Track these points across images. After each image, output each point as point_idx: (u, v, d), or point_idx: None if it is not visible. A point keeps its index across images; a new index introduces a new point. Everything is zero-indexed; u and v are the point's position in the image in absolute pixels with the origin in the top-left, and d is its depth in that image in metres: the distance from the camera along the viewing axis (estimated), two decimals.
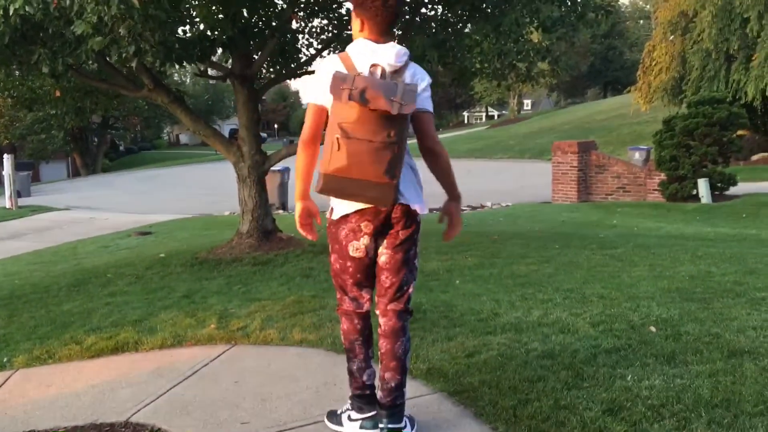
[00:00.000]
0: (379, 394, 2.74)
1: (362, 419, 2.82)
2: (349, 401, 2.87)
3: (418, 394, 3.15)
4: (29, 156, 40.20)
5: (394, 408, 2.70)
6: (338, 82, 2.44)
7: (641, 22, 72.98)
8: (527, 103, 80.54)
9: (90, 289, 6.46)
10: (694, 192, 14.10)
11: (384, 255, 2.71)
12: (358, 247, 2.68)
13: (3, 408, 3.59)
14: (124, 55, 5.28)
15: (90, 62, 5.78)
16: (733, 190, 14.81)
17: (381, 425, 2.71)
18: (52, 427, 3.27)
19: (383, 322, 2.75)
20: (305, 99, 2.66)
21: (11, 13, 4.78)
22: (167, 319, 4.90)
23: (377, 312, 2.77)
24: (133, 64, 5.52)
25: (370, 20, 2.63)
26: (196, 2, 6.18)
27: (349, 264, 2.72)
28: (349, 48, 2.66)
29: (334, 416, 2.93)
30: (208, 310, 5.04)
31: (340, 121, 2.45)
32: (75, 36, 5.25)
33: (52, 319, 5.35)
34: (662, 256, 6.88)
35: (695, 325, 4.04)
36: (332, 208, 2.70)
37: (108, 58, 6.05)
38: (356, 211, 2.63)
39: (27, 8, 4.69)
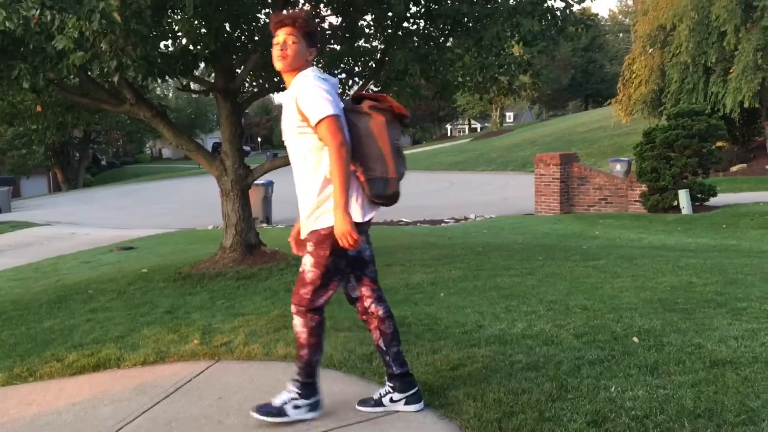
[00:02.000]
0: (399, 369, 3.16)
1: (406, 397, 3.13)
2: (390, 385, 3.15)
3: (403, 408, 3.14)
4: (9, 171, 39.83)
5: None
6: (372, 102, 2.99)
7: (621, 35, 73.84)
8: (510, 116, 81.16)
9: (71, 305, 6.39)
10: (675, 203, 14.24)
11: (368, 249, 3.16)
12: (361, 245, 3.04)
13: None
14: (105, 69, 5.26)
15: (71, 77, 5.74)
16: (713, 201, 14.97)
17: (415, 388, 3.18)
18: None
19: (378, 307, 3.17)
20: (328, 112, 2.83)
21: None
22: (150, 335, 4.85)
23: (368, 301, 3.15)
24: (115, 79, 5.50)
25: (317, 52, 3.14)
26: (179, 17, 6.17)
27: (347, 262, 3.06)
28: (317, 70, 3.05)
29: (367, 403, 3.19)
30: (191, 326, 5.00)
31: (388, 132, 2.95)
32: (56, 51, 5.22)
33: (32, 336, 5.29)
34: (644, 267, 6.93)
35: (677, 335, 4.07)
36: (350, 215, 2.88)
37: (90, 73, 6.03)
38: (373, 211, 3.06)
39: (8, 23, 4.65)
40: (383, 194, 2.95)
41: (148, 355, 4.34)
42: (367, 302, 3.15)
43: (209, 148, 71.24)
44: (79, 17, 4.84)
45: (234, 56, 6.88)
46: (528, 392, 3.18)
